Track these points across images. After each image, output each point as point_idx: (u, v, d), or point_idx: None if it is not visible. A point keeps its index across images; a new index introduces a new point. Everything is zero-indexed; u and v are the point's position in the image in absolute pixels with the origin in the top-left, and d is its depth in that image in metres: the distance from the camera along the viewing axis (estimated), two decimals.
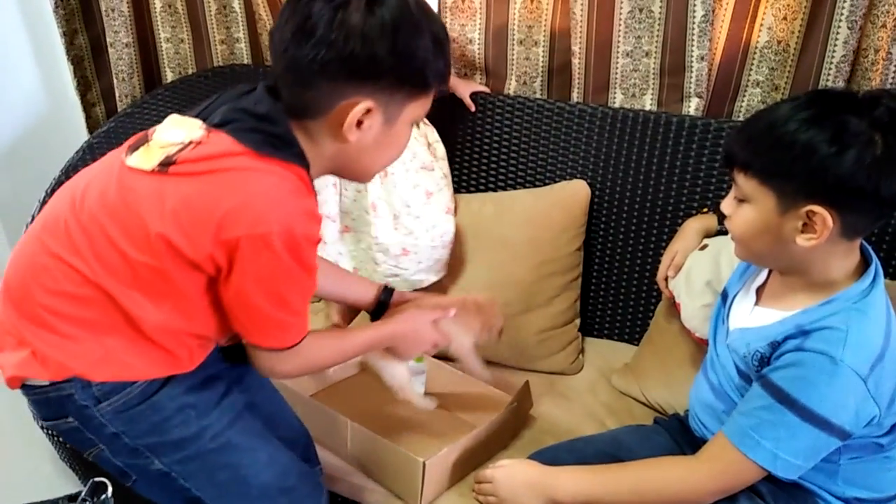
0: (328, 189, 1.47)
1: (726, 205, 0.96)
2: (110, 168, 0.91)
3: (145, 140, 0.91)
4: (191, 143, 0.86)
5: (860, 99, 0.86)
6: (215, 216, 0.83)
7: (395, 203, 1.46)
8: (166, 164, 0.86)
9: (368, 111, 0.86)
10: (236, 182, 0.84)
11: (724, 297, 1.10)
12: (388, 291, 1.20)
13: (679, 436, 1.15)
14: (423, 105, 0.93)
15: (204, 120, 0.89)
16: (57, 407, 0.95)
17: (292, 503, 1.06)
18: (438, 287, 1.54)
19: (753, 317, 1.00)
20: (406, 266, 1.47)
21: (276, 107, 0.88)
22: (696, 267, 1.27)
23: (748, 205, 0.92)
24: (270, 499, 1.03)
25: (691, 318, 1.27)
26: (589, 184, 1.55)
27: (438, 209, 1.50)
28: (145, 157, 0.88)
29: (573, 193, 1.54)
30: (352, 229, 1.52)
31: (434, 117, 1.69)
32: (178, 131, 0.88)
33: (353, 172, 0.99)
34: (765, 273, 1.05)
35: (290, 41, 0.84)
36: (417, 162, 1.51)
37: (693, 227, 1.33)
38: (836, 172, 0.83)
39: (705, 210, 1.38)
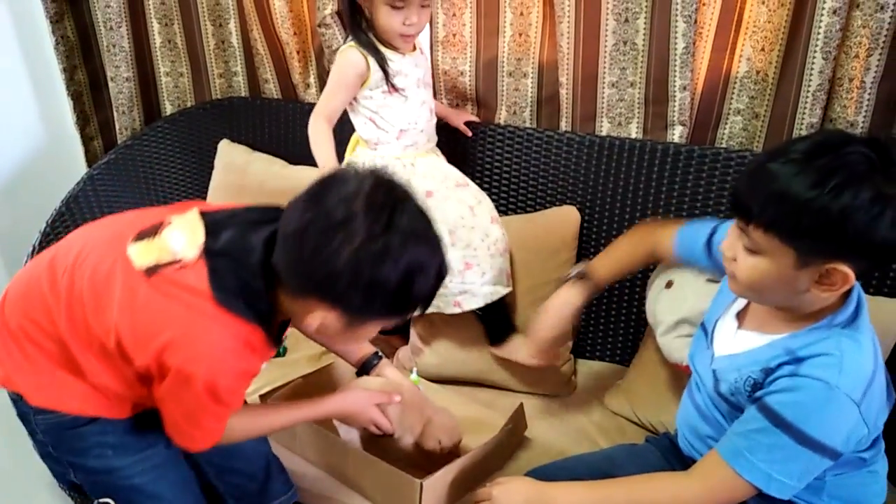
0: None
1: (730, 248, 0.94)
2: (116, 243, 0.96)
3: (155, 232, 0.96)
4: (179, 262, 0.91)
5: (872, 150, 0.83)
6: (160, 340, 0.89)
7: (447, 219, 1.47)
8: (152, 270, 0.91)
9: (339, 317, 0.91)
10: (189, 320, 0.90)
11: (706, 323, 1.12)
12: (376, 356, 1.28)
13: (669, 454, 1.18)
14: (390, 321, 0.96)
15: (213, 231, 0.94)
16: (11, 401, 1.05)
17: None
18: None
19: (738, 341, 1.02)
20: (472, 280, 1.47)
21: (265, 261, 0.91)
22: (665, 310, 1.30)
23: (761, 256, 0.89)
24: None
25: (671, 352, 1.30)
26: (578, 209, 1.60)
27: (485, 219, 1.51)
28: (143, 253, 0.94)
29: (563, 219, 1.58)
30: None
31: None
32: (181, 239, 0.94)
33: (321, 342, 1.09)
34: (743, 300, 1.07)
35: (295, 224, 0.87)
36: (451, 181, 1.54)
37: (565, 304, 1.26)
38: (872, 236, 0.82)
39: (580, 275, 1.27)
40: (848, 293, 0.94)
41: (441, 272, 0.91)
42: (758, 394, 0.94)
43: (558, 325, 1.27)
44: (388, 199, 0.86)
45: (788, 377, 0.91)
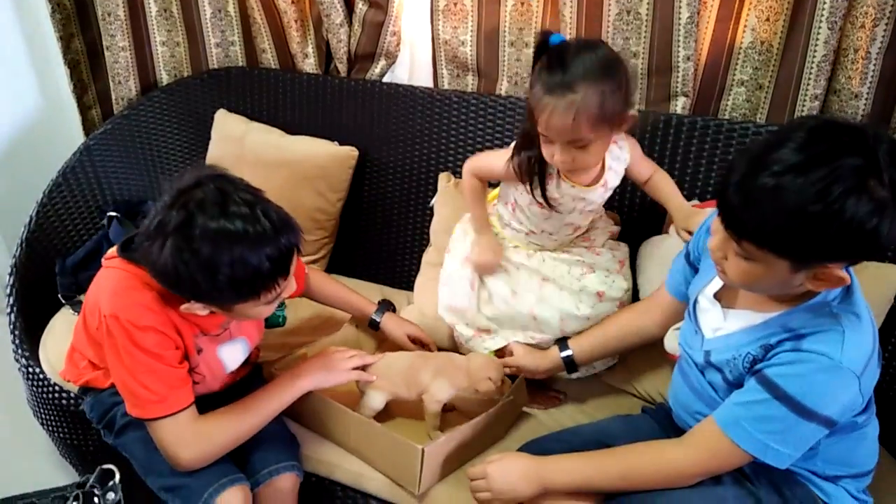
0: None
1: (720, 248, 0.93)
2: None
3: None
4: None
5: (859, 152, 0.81)
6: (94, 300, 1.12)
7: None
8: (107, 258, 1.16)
9: (204, 306, 1.07)
10: (101, 276, 1.14)
11: (689, 304, 1.12)
12: (378, 312, 1.48)
13: (666, 424, 1.18)
14: (257, 302, 1.06)
15: None
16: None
17: (183, 482, 1.13)
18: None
19: (731, 322, 1.02)
20: None
21: None
22: None
23: (753, 262, 0.89)
24: (168, 475, 1.14)
25: (665, 342, 1.30)
26: None
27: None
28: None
29: None
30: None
31: (426, 115, 1.72)
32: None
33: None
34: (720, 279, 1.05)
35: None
36: (574, 274, 1.42)
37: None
38: (873, 242, 0.82)
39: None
40: None
41: (265, 252, 1.00)
42: (757, 367, 0.95)
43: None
44: (189, 206, 0.99)
45: (790, 352, 0.92)
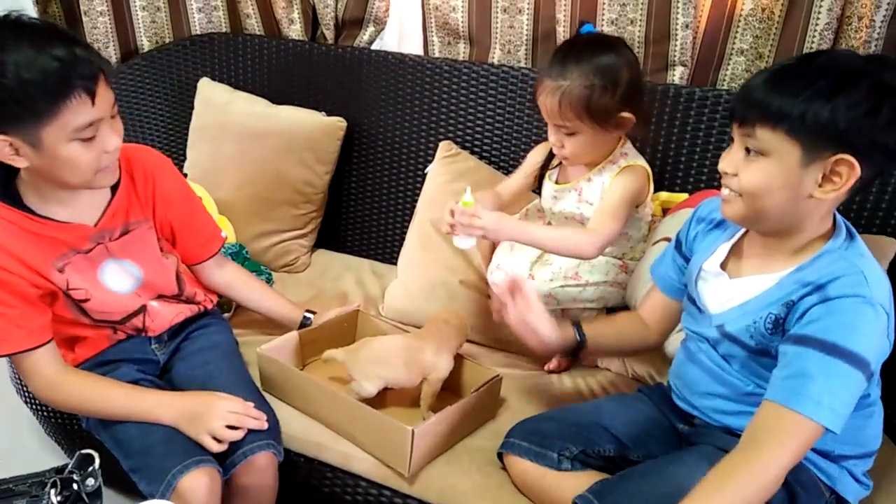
0: None
1: (730, 162, 0.93)
2: None
3: None
4: None
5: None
6: None
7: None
8: None
9: (11, 144, 0.99)
10: None
11: (689, 290, 1.09)
12: (306, 318, 1.41)
13: (662, 403, 1.16)
14: (62, 125, 0.98)
15: None
16: None
17: (148, 462, 1.11)
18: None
19: (741, 291, 0.99)
20: None
21: None
22: None
23: (765, 159, 0.89)
24: (134, 455, 1.13)
25: (668, 346, 1.28)
26: None
27: None
28: None
29: None
30: None
31: (416, 84, 1.68)
32: None
33: (66, 186, 1.08)
34: (723, 251, 1.04)
35: None
36: None
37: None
38: (874, 125, 0.84)
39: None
40: (835, 223, 0.95)
41: (54, 51, 0.94)
42: (792, 332, 0.90)
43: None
44: None
45: (820, 304, 0.88)
